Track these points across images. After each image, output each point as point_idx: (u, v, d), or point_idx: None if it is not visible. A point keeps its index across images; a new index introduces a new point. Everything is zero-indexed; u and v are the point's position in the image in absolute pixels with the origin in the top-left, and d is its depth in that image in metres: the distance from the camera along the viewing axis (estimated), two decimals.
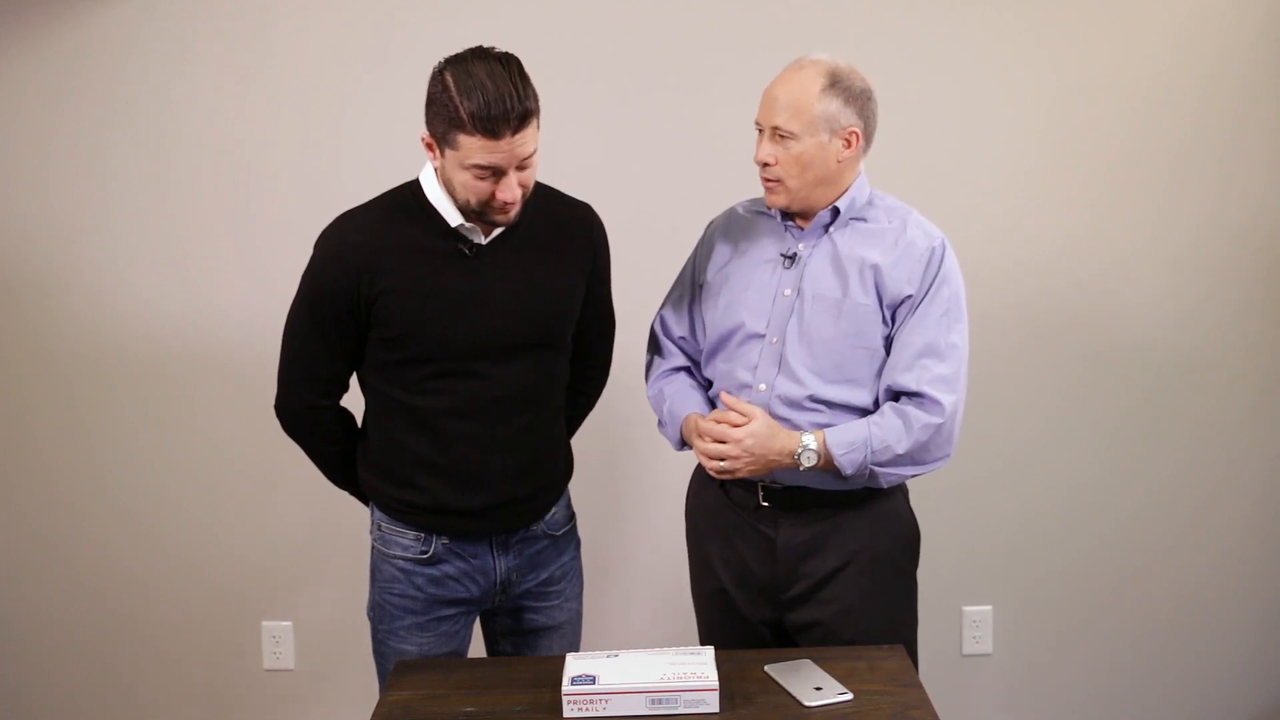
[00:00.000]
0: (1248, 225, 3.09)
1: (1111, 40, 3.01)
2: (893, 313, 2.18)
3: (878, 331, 2.18)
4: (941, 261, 2.18)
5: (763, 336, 2.22)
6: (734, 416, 2.14)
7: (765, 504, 2.23)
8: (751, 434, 2.12)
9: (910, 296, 2.17)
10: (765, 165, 2.17)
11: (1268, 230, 3.10)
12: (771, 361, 2.21)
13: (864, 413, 2.18)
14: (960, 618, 3.22)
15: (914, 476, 2.21)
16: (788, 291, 2.21)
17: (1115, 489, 3.18)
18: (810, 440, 2.12)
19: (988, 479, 3.15)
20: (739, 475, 2.15)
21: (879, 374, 2.19)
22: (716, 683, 1.90)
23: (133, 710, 3.19)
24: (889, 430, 2.14)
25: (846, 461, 2.12)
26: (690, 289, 2.37)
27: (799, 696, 1.93)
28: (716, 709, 1.89)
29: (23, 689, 3.17)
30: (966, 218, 3.03)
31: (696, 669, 1.92)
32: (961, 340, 2.18)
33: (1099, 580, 3.21)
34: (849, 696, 1.94)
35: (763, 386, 2.21)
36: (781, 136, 2.14)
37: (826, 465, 2.13)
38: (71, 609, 3.15)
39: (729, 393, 2.21)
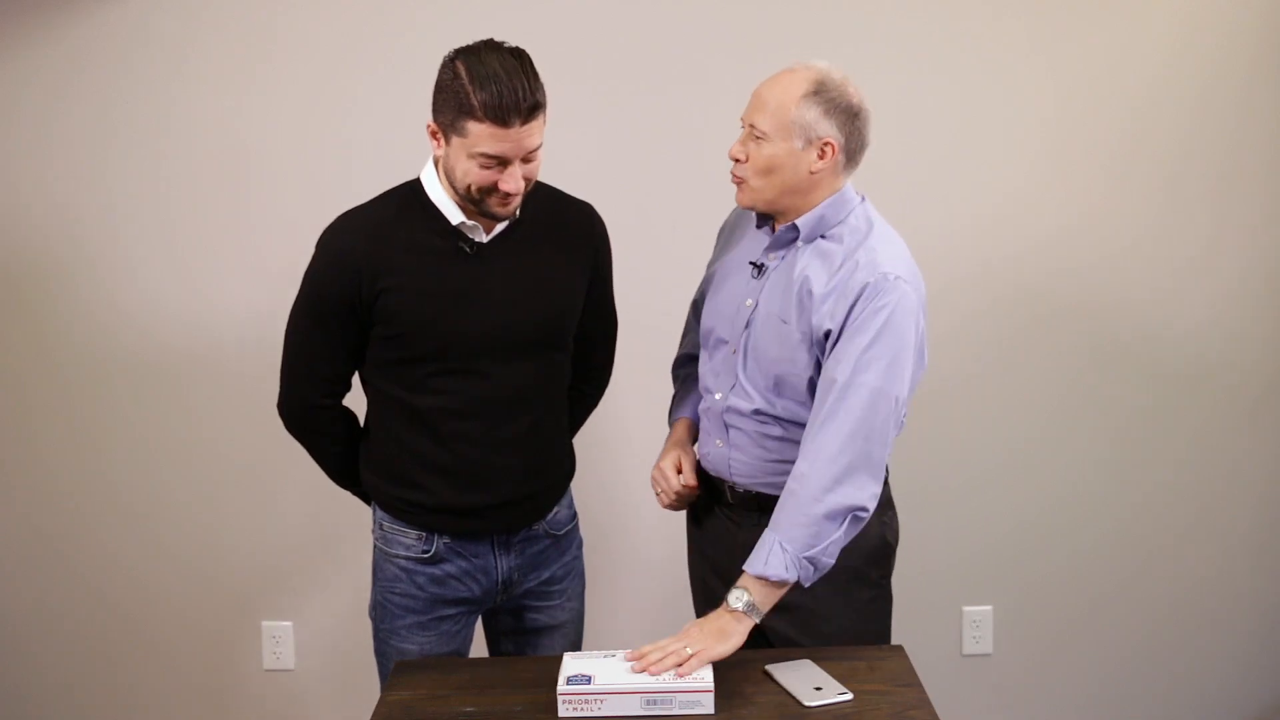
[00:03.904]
0: (1247, 221, 3.09)
1: (1111, 38, 3.00)
2: (820, 348, 2.07)
3: (808, 360, 2.09)
4: (875, 298, 2.01)
5: (728, 344, 2.20)
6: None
7: (731, 503, 2.24)
8: (684, 631, 2.00)
9: (830, 331, 2.05)
10: (734, 161, 2.11)
11: (1267, 227, 3.10)
12: (729, 371, 2.19)
13: None
14: (960, 618, 3.22)
15: (855, 533, 2.03)
16: (749, 303, 2.17)
17: (1115, 488, 3.18)
18: (734, 591, 1.99)
19: (987, 479, 3.15)
20: (707, 656, 1.95)
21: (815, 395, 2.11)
22: (712, 684, 1.90)
23: (133, 710, 3.19)
24: (783, 515, 2.00)
25: (775, 570, 1.96)
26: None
27: (799, 696, 1.93)
28: (711, 710, 1.89)
29: (23, 689, 3.18)
30: (967, 214, 3.05)
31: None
32: (875, 379, 1.99)
33: (1099, 580, 3.21)
34: (849, 696, 1.93)
35: (718, 395, 2.20)
36: (756, 136, 2.07)
37: (770, 589, 1.98)
38: (72, 609, 3.15)
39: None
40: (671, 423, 2.40)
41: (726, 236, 2.33)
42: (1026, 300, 3.10)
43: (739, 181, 2.13)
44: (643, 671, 1.92)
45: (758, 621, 1.99)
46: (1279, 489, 3.21)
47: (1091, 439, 3.16)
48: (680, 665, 1.92)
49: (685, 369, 2.43)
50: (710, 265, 2.34)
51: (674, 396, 2.44)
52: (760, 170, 2.08)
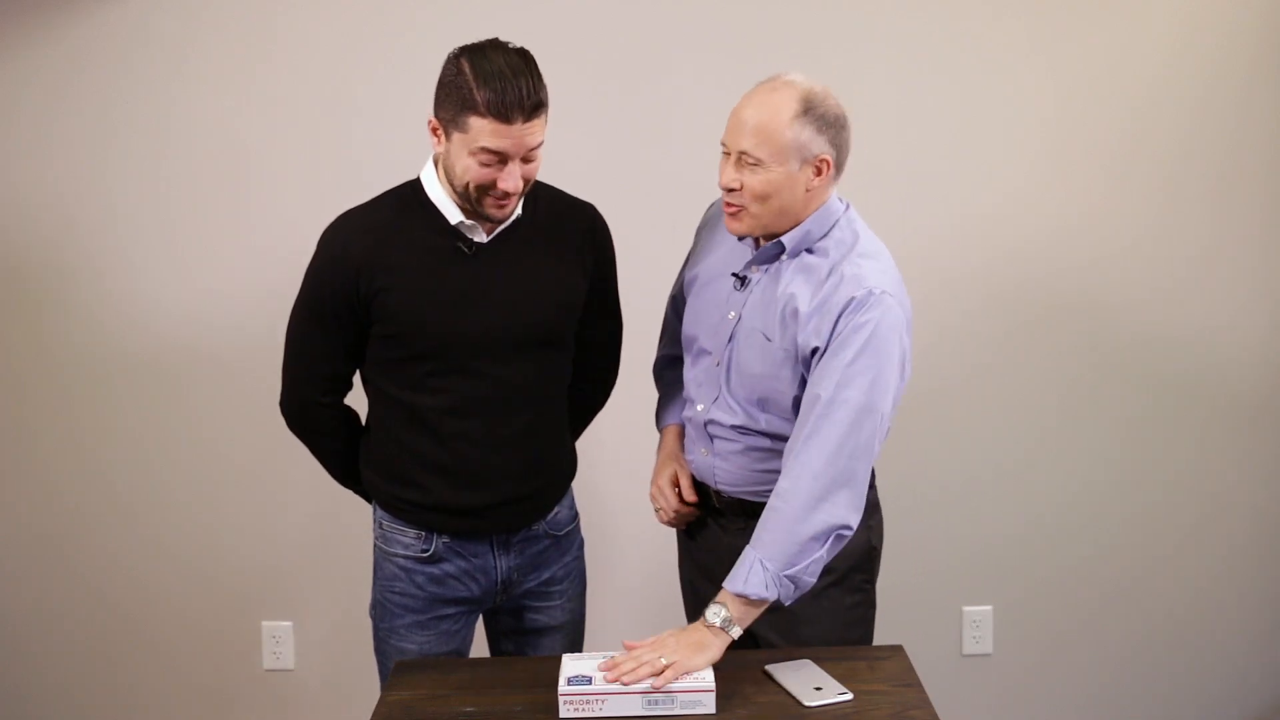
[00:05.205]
0: (1247, 222, 3.09)
1: (1111, 38, 3.00)
2: (806, 364, 2.04)
3: (793, 377, 2.06)
4: (858, 313, 1.98)
5: (710, 354, 2.18)
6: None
7: (718, 507, 2.23)
8: (661, 637, 1.98)
9: (817, 348, 2.02)
10: (729, 190, 2.04)
11: (1267, 227, 3.09)
12: (712, 383, 2.17)
13: None
14: (960, 618, 3.22)
15: (837, 551, 2.01)
16: (732, 315, 2.14)
17: (1116, 488, 3.18)
18: (712, 607, 1.97)
19: (988, 479, 3.15)
20: (682, 667, 1.92)
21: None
22: (713, 684, 1.90)
23: (133, 710, 3.19)
24: (765, 532, 1.97)
25: (755, 588, 1.94)
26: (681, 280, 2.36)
27: (799, 696, 1.93)
28: (713, 709, 1.89)
29: (23, 689, 3.18)
30: (967, 214, 3.05)
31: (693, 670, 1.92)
32: (859, 395, 1.96)
33: (1099, 580, 3.21)
34: (849, 696, 1.93)
35: (700, 407, 2.19)
36: (749, 163, 2.01)
37: (749, 607, 1.96)
38: (72, 609, 3.15)
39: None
40: (660, 429, 2.39)
41: (706, 235, 2.29)
42: (1026, 300, 3.09)
43: (736, 209, 2.06)
44: (615, 681, 1.90)
45: (735, 638, 1.97)
46: (1279, 488, 3.21)
47: (1092, 439, 3.16)
48: (656, 676, 1.90)
49: (670, 372, 2.40)
50: (689, 265, 2.31)
51: (659, 400, 2.43)
52: (757, 197, 2.03)
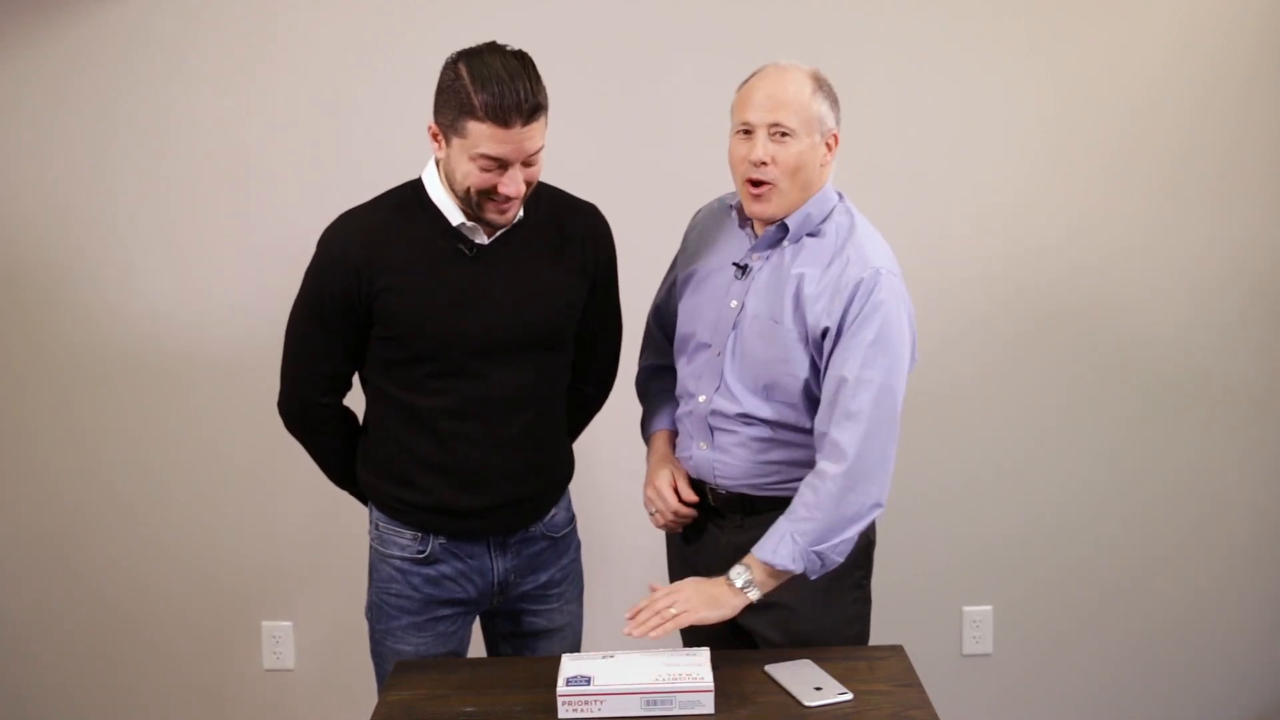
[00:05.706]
0: (1247, 222, 3.09)
1: (1111, 38, 3.00)
2: (818, 346, 2.07)
3: (804, 359, 2.08)
4: (871, 294, 2.03)
5: (710, 347, 2.18)
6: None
7: (714, 505, 2.23)
8: (680, 584, 2.04)
9: (828, 329, 2.05)
10: (761, 166, 2.05)
11: (1267, 227, 3.10)
12: (713, 374, 2.17)
13: (802, 432, 2.11)
14: (960, 618, 3.22)
15: (860, 531, 2.05)
16: (734, 304, 2.15)
17: (1116, 488, 3.18)
18: (737, 568, 2.02)
19: (988, 479, 3.15)
20: (691, 618, 1.99)
21: (809, 396, 2.11)
22: (712, 684, 1.90)
23: (133, 710, 3.19)
24: (802, 507, 2.01)
25: (782, 559, 1.99)
26: (670, 283, 2.36)
27: (799, 696, 1.93)
28: (711, 710, 1.89)
29: (23, 689, 3.18)
30: (967, 215, 3.05)
31: (692, 670, 1.92)
32: (881, 375, 2.01)
33: (1099, 580, 3.21)
34: (849, 696, 1.94)
35: (702, 399, 2.19)
36: (783, 135, 2.04)
37: (772, 576, 2.01)
38: (72, 609, 3.15)
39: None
40: (648, 436, 2.38)
41: (696, 239, 2.30)
42: (1026, 301, 3.10)
43: (767, 188, 2.07)
44: (630, 634, 1.97)
45: (752, 600, 2.01)
46: (1279, 488, 3.21)
47: (1092, 439, 3.16)
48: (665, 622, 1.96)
49: (655, 382, 2.40)
50: (679, 266, 2.31)
51: (645, 410, 2.41)
52: (790, 171, 2.06)
